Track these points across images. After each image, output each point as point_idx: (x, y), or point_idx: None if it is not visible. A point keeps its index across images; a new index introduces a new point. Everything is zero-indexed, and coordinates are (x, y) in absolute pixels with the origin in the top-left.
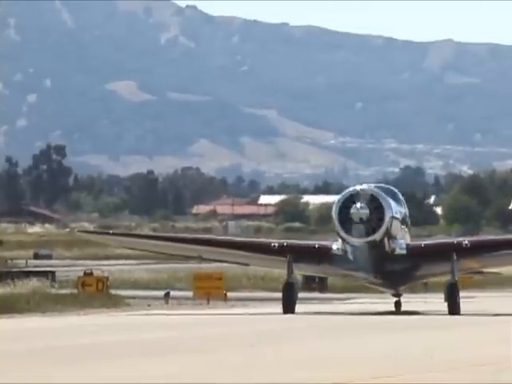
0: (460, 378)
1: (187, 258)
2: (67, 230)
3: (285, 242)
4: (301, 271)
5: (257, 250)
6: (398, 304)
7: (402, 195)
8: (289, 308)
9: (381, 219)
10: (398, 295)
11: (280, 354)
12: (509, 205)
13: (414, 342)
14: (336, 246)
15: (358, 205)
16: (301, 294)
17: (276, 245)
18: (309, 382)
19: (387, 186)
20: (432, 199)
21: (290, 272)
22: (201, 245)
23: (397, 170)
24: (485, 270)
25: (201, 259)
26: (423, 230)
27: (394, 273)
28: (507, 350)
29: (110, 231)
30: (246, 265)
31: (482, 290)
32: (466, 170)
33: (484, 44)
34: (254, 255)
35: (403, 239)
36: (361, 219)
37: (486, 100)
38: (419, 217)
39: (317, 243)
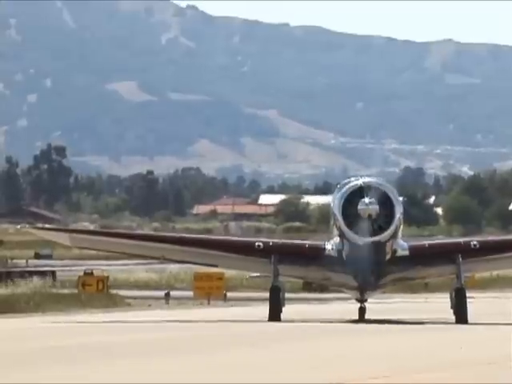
0: (461, 377)
1: (151, 259)
2: (18, 227)
3: (271, 241)
4: (282, 274)
5: (238, 250)
6: (362, 310)
7: (402, 196)
8: (275, 315)
9: (391, 217)
10: (365, 300)
11: (280, 353)
12: (509, 205)
13: (415, 341)
14: (330, 245)
15: (367, 200)
16: (301, 295)
17: (261, 244)
18: (309, 382)
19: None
20: (432, 199)
21: (276, 274)
22: (175, 244)
23: (397, 170)
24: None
25: (163, 259)
26: (423, 231)
27: (389, 276)
28: (507, 350)
29: (68, 228)
30: (215, 266)
31: (482, 290)
32: (467, 171)
33: (484, 44)
34: (233, 256)
35: (401, 239)
36: (369, 216)
37: (486, 100)
38: (419, 217)
39: (307, 243)
